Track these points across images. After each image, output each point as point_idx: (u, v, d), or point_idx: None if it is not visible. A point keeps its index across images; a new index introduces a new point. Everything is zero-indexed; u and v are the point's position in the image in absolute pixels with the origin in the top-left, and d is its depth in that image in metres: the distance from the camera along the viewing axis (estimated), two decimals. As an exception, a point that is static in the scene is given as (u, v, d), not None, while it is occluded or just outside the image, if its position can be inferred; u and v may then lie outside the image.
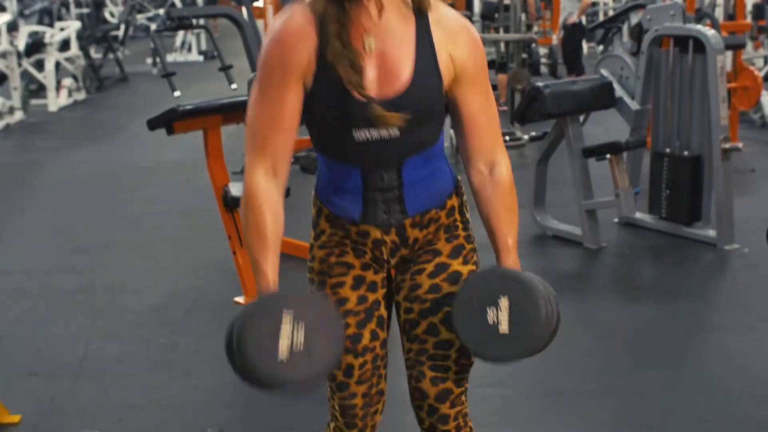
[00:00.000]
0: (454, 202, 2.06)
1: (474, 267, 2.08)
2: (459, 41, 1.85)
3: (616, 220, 5.56)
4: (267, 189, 1.89)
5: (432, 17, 1.83)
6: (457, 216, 2.09)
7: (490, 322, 1.85)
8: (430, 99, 1.85)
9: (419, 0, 1.82)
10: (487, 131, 1.93)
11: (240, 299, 4.42)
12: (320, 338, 1.75)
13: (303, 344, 1.73)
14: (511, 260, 1.97)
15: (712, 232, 5.16)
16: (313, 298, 1.92)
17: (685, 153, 5.25)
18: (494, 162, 1.97)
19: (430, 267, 2.01)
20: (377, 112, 1.78)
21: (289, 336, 1.72)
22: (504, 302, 1.85)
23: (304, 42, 1.80)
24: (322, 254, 2.03)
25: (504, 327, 1.84)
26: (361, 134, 1.84)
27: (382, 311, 2.06)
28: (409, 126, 1.83)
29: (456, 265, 2.03)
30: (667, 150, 5.34)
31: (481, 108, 1.91)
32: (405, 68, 1.81)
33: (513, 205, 2.00)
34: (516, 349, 1.87)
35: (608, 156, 5.16)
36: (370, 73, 1.80)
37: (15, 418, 3.24)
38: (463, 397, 2.07)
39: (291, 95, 1.84)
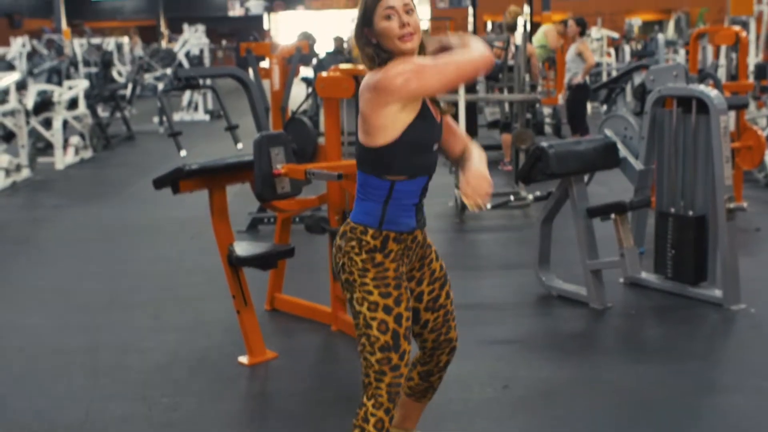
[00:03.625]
0: None
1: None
2: None
3: (621, 280, 5.55)
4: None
5: None
6: None
7: None
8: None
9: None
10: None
11: (244, 359, 4.40)
12: None
13: None
14: (480, 162, 2.80)
15: (718, 292, 5.14)
16: None
17: (690, 213, 5.25)
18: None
19: (433, 254, 2.92)
20: (445, 107, 2.81)
21: None
22: None
23: None
24: (395, 266, 2.72)
25: None
26: (435, 146, 2.73)
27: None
28: (439, 140, 2.77)
29: (434, 247, 2.96)
30: (672, 210, 5.34)
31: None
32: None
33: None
34: None
35: (613, 216, 5.16)
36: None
37: (15, 480, 3.21)
38: None
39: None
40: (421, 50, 2.69)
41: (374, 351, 2.67)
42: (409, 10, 2.62)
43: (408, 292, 2.72)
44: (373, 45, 2.63)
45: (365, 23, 2.64)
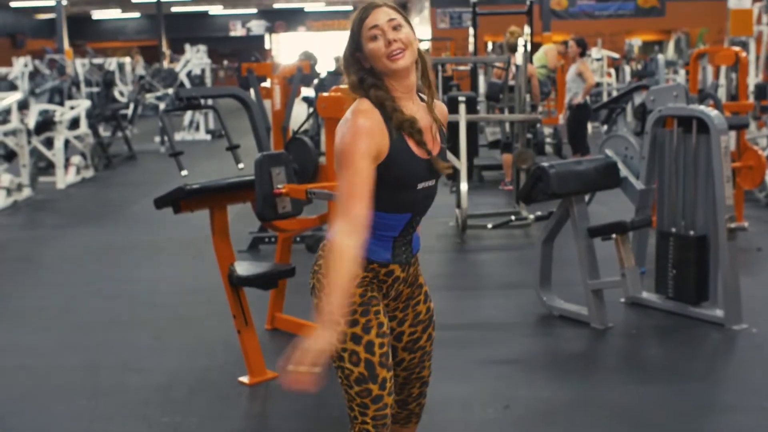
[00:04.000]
0: None
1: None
2: (444, 120, 2.64)
3: (622, 300, 5.54)
4: (349, 245, 2.33)
5: (430, 104, 2.58)
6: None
7: None
8: (444, 160, 2.55)
9: (429, 96, 2.57)
10: None
11: (244, 379, 4.39)
12: None
13: None
14: None
15: (719, 312, 5.13)
16: None
17: (691, 232, 5.25)
18: None
19: (422, 296, 2.70)
20: (438, 162, 2.49)
21: None
22: None
23: (380, 128, 2.40)
24: (361, 290, 2.51)
25: None
26: (421, 185, 2.49)
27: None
28: (437, 176, 2.54)
29: (426, 288, 2.73)
30: (673, 229, 5.34)
31: None
32: (437, 136, 2.55)
33: None
34: None
35: (614, 236, 5.16)
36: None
37: (15, 500, 3.19)
38: None
39: (368, 170, 2.37)
40: (425, 71, 2.55)
41: (351, 384, 2.49)
42: (397, 26, 2.43)
43: (378, 317, 2.51)
44: (366, 70, 2.47)
45: (356, 48, 2.48)
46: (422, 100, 2.55)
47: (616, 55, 19.18)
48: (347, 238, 2.32)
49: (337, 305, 2.29)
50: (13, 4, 34.75)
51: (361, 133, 2.37)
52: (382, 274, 2.54)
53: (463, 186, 7.55)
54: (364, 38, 2.44)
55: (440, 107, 2.62)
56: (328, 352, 2.26)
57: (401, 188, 2.46)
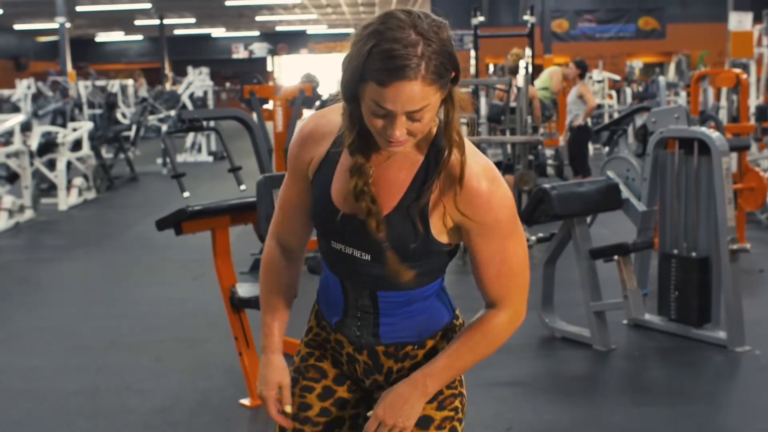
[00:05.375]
0: (438, 344, 2.00)
1: (451, 413, 1.98)
2: (463, 200, 1.78)
3: (625, 321, 5.53)
4: (280, 258, 2.05)
5: (449, 165, 1.77)
6: None
7: None
8: (403, 239, 1.80)
9: (439, 148, 1.78)
10: (492, 281, 1.90)
11: (246, 401, 4.37)
12: None
13: None
14: (405, 387, 1.90)
15: (722, 334, 5.11)
16: None
17: (693, 254, 5.24)
18: (494, 307, 1.95)
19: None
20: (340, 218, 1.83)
21: None
22: None
23: (317, 144, 1.88)
24: (305, 352, 2.10)
25: None
26: (337, 245, 1.88)
27: (344, 431, 2.06)
28: (380, 256, 1.81)
29: (428, 409, 1.94)
30: (675, 251, 5.34)
31: (490, 260, 1.87)
32: (389, 202, 1.81)
33: (474, 345, 1.96)
34: None
35: (616, 257, 5.15)
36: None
37: None
38: None
39: (301, 185, 1.93)
40: (447, 133, 1.75)
41: None
42: (417, 118, 1.67)
43: (306, 397, 2.06)
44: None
45: (361, 78, 1.66)
46: (437, 161, 1.79)
47: (617, 77, 19.25)
48: (275, 250, 2.06)
49: (265, 326, 2.08)
50: (16, 27, 34.95)
51: (298, 137, 1.92)
52: (332, 341, 2.04)
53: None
54: (367, 99, 1.67)
55: (459, 194, 1.77)
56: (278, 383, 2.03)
57: (322, 238, 1.93)
